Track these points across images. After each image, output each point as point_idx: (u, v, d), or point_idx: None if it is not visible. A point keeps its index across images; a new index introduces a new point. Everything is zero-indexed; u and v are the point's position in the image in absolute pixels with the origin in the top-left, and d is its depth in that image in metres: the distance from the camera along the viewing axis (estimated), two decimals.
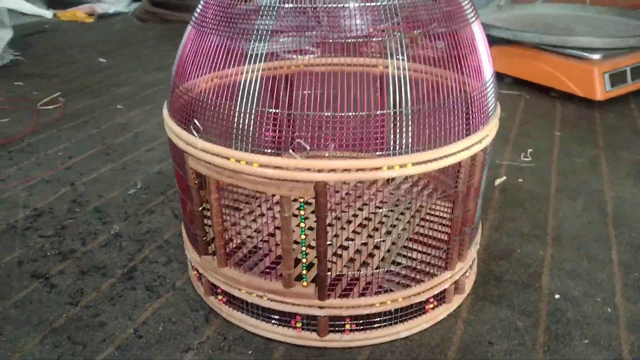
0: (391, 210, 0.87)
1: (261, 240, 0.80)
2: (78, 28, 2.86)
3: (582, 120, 1.46)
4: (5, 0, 1.79)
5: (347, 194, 0.90)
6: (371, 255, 0.77)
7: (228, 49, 0.61)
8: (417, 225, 0.84)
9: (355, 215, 0.86)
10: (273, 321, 0.70)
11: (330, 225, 0.83)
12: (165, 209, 1.04)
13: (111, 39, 2.56)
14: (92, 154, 1.29)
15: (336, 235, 0.80)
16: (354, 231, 0.83)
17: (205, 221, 0.70)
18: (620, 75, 1.55)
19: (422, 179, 0.94)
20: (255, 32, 0.59)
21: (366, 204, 0.89)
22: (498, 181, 1.13)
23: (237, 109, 0.58)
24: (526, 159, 1.23)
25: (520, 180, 1.14)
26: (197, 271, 0.76)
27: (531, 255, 0.89)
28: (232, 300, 0.72)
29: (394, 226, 0.83)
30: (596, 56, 1.53)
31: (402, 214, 0.86)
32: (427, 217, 0.86)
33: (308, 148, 0.57)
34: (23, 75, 1.94)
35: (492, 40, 1.79)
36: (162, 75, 1.95)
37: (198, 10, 0.68)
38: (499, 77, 1.80)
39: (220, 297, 0.74)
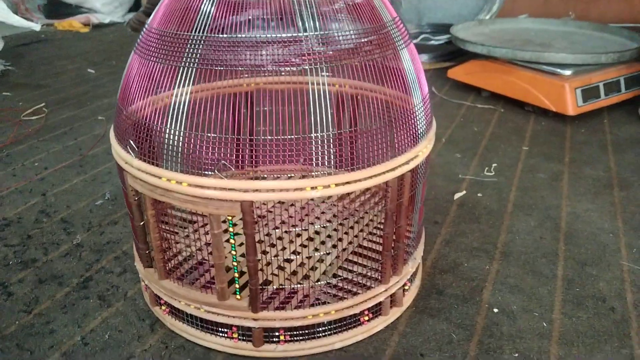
0: (341, 224, 0.89)
1: (208, 255, 0.82)
2: (72, 38, 2.91)
3: (552, 136, 1.48)
4: None
5: (302, 207, 0.93)
6: (313, 268, 0.80)
7: (162, 73, 0.64)
8: (364, 239, 0.86)
9: (305, 230, 0.88)
10: (211, 331, 0.72)
11: (280, 238, 0.86)
12: (129, 220, 1.07)
13: (102, 50, 2.60)
14: (67, 165, 1.32)
15: (283, 249, 0.82)
16: (301, 244, 0.85)
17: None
18: (592, 90, 1.58)
19: (372, 191, 0.96)
20: (185, 59, 0.62)
21: (318, 218, 0.91)
22: (457, 195, 1.15)
23: (167, 131, 0.61)
24: (489, 174, 1.25)
25: (479, 195, 1.16)
26: (144, 281, 0.79)
27: (476, 269, 0.91)
28: (174, 311, 0.75)
29: (340, 240, 0.86)
30: (568, 72, 1.56)
31: (351, 227, 0.89)
32: (374, 231, 0.88)
33: (232, 169, 0.59)
34: (12, 86, 1.99)
35: (470, 55, 1.82)
36: None
37: (140, 38, 0.71)
38: (477, 90, 1.83)
39: (163, 307, 0.76)
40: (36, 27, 1.88)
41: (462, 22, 2.64)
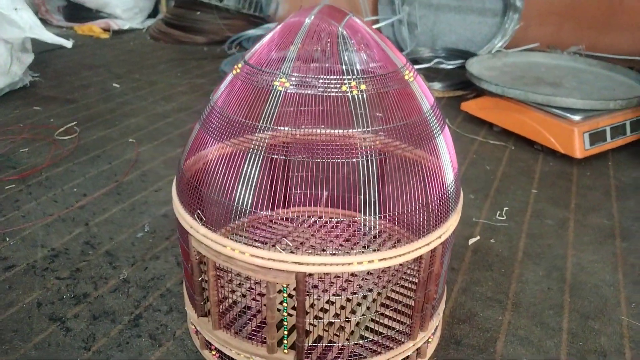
0: (370, 290, 0.96)
1: (252, 300, 0.91)
2: (94, 45, 2.99)
3: (559, 178, 1.57)
4: (30, 30, 1.91)
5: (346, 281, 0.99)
6: (343, 327, 0.89)
7: (231, 155, 0.72)
8: (386, 297, 0.94)
9: (339, 295, 0.95)
10: None
11: (329, 302, 0.93)
12: (169, 255, 1.16)
13: (124, 60, 2.68)
14: (104, 193, 1.41)
15: (323, 310, 0.90)
16: (341, 306, 0.92)
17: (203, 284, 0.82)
18: (599, 134, 1.66)
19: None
20: (251, 147, 0.70)
21: (360, 287, 0.99)
22: (472, 241, 1.24)
23: (233, 210, 0.70)
24: (501, 218, 1.34)
25: (492, 240, 1.25)
26: (194, 326, 0.88)
27: (490, 320, 1.00)
28: (224, 357, 0.83)
29: (367, 299, 0.94)
30: (577, 117, 1.64)
31: (379, 293, 0.96)
32: (396, 289, 0.97)
33: (292, 245, 0.68)
34: (41, 99, 2.07)
35: (485, 92, 1.90)
36: (169, 106, 2.07)
37: (205, 112, 0.79)
38: (490, 126, 1.92)
39: (213, 352, 0.85)
40: (68, 44, 1.96)
41: (475, 47, 2.72)
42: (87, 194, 1.40)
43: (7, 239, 1.20)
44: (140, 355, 0.89)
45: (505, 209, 1.39)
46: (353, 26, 0.76)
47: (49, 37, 1.97)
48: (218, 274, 0.78)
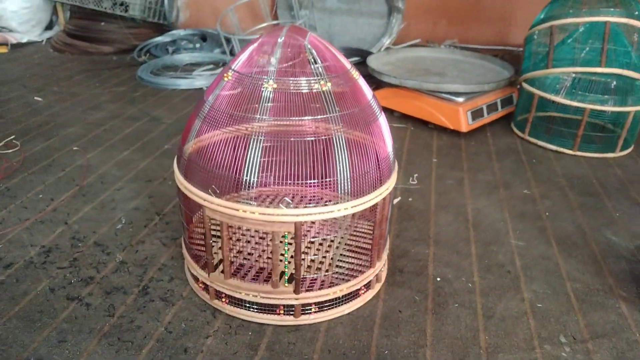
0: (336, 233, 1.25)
1: (244, 259, 1.15)
2: None
3: (452, 149, 1.96)
4: None
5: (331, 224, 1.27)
6: (330, 263, 1.16)
7: (235, 142, 0.96)
8: (345, 243, 1.24)
9: (314, 238, 1.23)
10: (263, 311, 1.06)
11: (311, 243, 1.20)
12: (153, 239, 1.35)
13: (36, 74, 2.70)
14: (71, 196, 1.54)
15: (305, 253, 1.17)
16: (311, 247, 1.20)
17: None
18: (478, 111, 2.08)
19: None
20: (252, 133, 0.95)
21: (335, 230, 1.27)
22: (395, 200, 1.57)
23: (243, 181, 0.94)
24: (413, 182, 1.69)
25: (410, 199, 1.59)
26: (204, 284, 1.10)
27: (420, 253, 1.32)
28: (233, 301, 1.07)
29: (338, 242, 1.23)
30: (461, 99, 2.04)
31: (342, 237, 1.25)
32: (354, 233, 1.26)
33: (292, 203, 0.94)
34: None
35: (385, 84, 2.25)
36: (100, 115, 2.18)
37: (204, 110, 1.01)
38: (390, 112, 2.27)
39: (223, 299, 1.08)
40: None
41: (367, 45, 3.09)
42: (54, 199, 1.52)
43: None
44: (159, 314, 1.09)
45: (415, 175, 1.73)
46: (313, 41, 1.03)
47: None
48: (229, 234, 1.01)
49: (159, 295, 1.15)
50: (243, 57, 1.02)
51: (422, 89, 2.11)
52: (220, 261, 1.12)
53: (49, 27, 3.54)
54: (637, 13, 1.84)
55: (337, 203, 0.98)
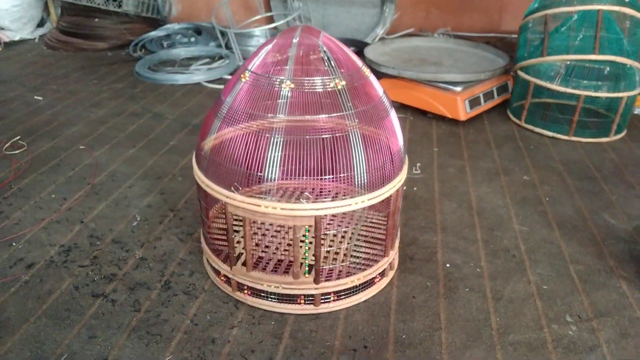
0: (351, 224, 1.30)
1: (262, 252, 1.20)
2: None
3: (451, 137, 2.01)
4: None
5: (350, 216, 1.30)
6: (337, 253, 1.21)
7: (254, 140, 0.99)
8: (361, 230, 1.29)
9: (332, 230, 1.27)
10: (284, 301, 1.10)
11: (334, 235, 1.24)
12: (169, 234, 1.39)
13: (32, 72, 2.70)
14: (83, 195, 1.57)
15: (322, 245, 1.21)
16: (330, 239, 1.25)
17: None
18: (475, 100, 2.13)
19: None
20: (273, 130, 0.98)
21: (355, 222, 1.32)
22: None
23: (265, 179, 0.98)
24: (417, 172, 1.73)
25: (415, 188, 1.63)
26: (225, 276, 1.14)
27: (428, 241, 1.38)
28: (255, 292, 1.11)
29: (353, 233, 1.27)
30: (458, 88, 2.09)
31: (355, 226, 1.30)
32: (369, 224, 1.31)
33: (312, 197, 0.98)
34: None
35: (383, 74, 2.29)
36: (102, 112, 2.20)
37: (223, 110, 1.05)
38: None
39: (245, 291, 1.13)
40: None
41: (361, 35, 3.12)
42: (67, 198, 1.55)
43: (14, 244, 1.34)
44: (183, 307, 1.14)
45: (418, 164, 1.78)
46: (326, 40, 1.07)
47: None
48: (255, 231, 1.05)
49: (182, 289, 1.19)
50: (259, 57, 1.06)
51: (420, 79, 2.15)
52: (240, 254, 1.17)
53: (40, 24, 3.52)
54: (627, 0, 1.89)
55: (354, 197, 1.02)
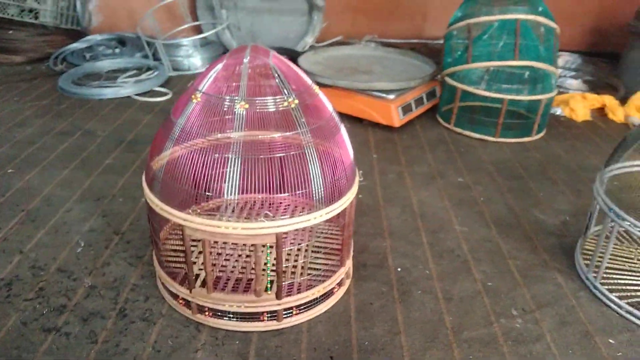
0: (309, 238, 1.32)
1: (219, 272, 1.19)
2: None
3: (387, 143, 2.08)
4: None
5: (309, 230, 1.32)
6: (304, 267, 1.23)
7: (213, 160, 0.99)
8: (312, 248, 1.31)
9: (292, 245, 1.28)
10: (246, 320, 1.11)
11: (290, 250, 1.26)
12: (117, 259, 1.35)
13: None
14: (18, 222, 1.49)
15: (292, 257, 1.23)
16: (288, 254, 1.26)
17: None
18: (407, 106, 2.22)
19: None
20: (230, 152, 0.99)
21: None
22: None
23: (224, 199, 0.98)
24: (360, 180, 1.79)
25: (360, 196, 1.69)
26: (184, 299, 1.13)
27: (378, 247, 1.43)
28: (216, 313, 1.11)
29: (308, 246, 1.30)
30: (391, 96, 2.17)
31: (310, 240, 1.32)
32: (325, 236, 1.34)
33: (272, 215, 1.00)
34: None
35: (319, 84, 2.33)
36: (28, 132, 2.08)
37: (175, 131, 1.04)
38: None
39: (206, 313, 1.12)
40: None
41: (290, 43, 3.15)
42: (1, 227, 1.46)
43: None
44: (142, 334, 1.11)
45: (360, 172, 1.84)
46: (275, 60, 1.09)
47: None
48: (210, 251, 1.05)
49: (138, 315, 1.16)
50: (209, 78, 1.06)
51: (354, 88, 2.22)
52: (197, 276, 1.16)
53: None
54: (540, 9, 2.06)
55: (311, 212, 1.05)
